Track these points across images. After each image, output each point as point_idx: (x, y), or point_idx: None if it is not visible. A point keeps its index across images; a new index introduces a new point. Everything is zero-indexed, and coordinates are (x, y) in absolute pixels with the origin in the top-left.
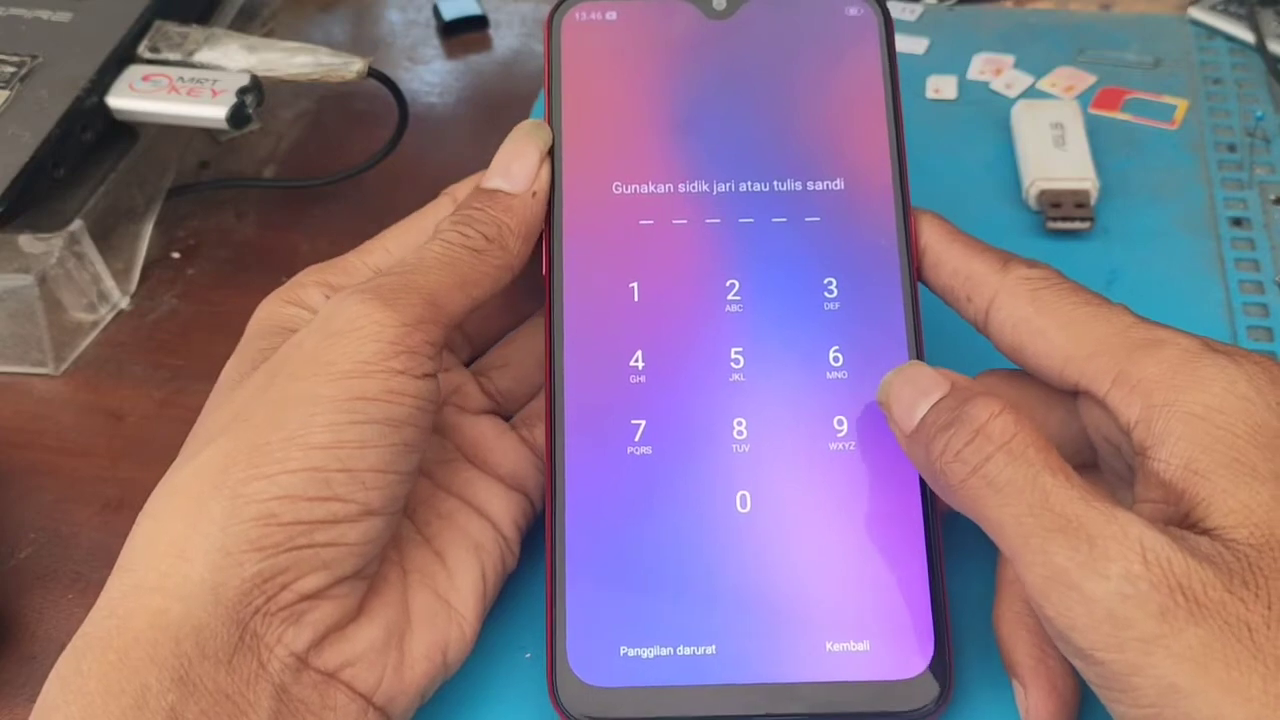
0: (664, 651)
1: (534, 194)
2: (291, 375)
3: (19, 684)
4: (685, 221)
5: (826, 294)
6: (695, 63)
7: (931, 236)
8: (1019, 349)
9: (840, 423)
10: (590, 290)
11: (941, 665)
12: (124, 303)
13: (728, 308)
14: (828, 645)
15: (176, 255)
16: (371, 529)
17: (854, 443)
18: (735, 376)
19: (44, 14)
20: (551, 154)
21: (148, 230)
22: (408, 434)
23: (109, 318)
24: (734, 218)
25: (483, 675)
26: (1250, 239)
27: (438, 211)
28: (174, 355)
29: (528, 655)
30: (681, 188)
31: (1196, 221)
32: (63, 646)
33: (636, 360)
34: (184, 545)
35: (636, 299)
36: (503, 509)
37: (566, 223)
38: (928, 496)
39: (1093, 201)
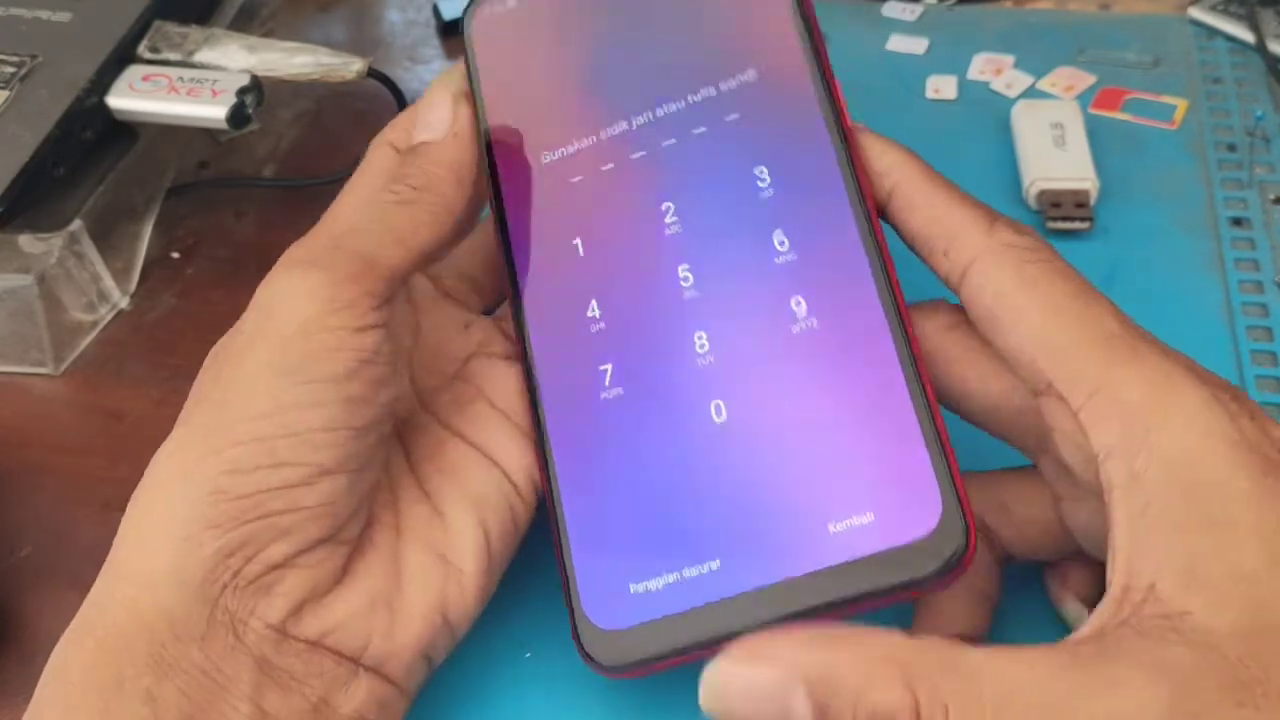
0: (671, 579)
1: (455, 135)
2: (234, 354)
3: (18, 684)
4: (612, 165)
5: (759, 183)
6: (591, 16)
7: (906, 177)
8: (992, 322)
9: (799, 303)
10: (541, 259)
11: (955, 514)
12: (123, 302)
13: (667, 231)
14: (830, 527)
15: (176, 255)
16: (330, 490)
17: (816, 319)
18: (688, 294)
19: (44, 14)
20: (471, 99)
21: (147, 230)
22: (354, 388)
23: (108, 317)
24: (657, 145)
25: (483, 675)
26: (1250, 239)
27: (382, 163)
28: (173, 355)
29: (527, 654)
30: (603, 134)
31: (1196, 221)
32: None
33: (592, 310)
34: (147, 535)
35: (582, 253)
36: (517, 456)
37: (508, 202)
38: (904, 346)
39: (1092, 201)
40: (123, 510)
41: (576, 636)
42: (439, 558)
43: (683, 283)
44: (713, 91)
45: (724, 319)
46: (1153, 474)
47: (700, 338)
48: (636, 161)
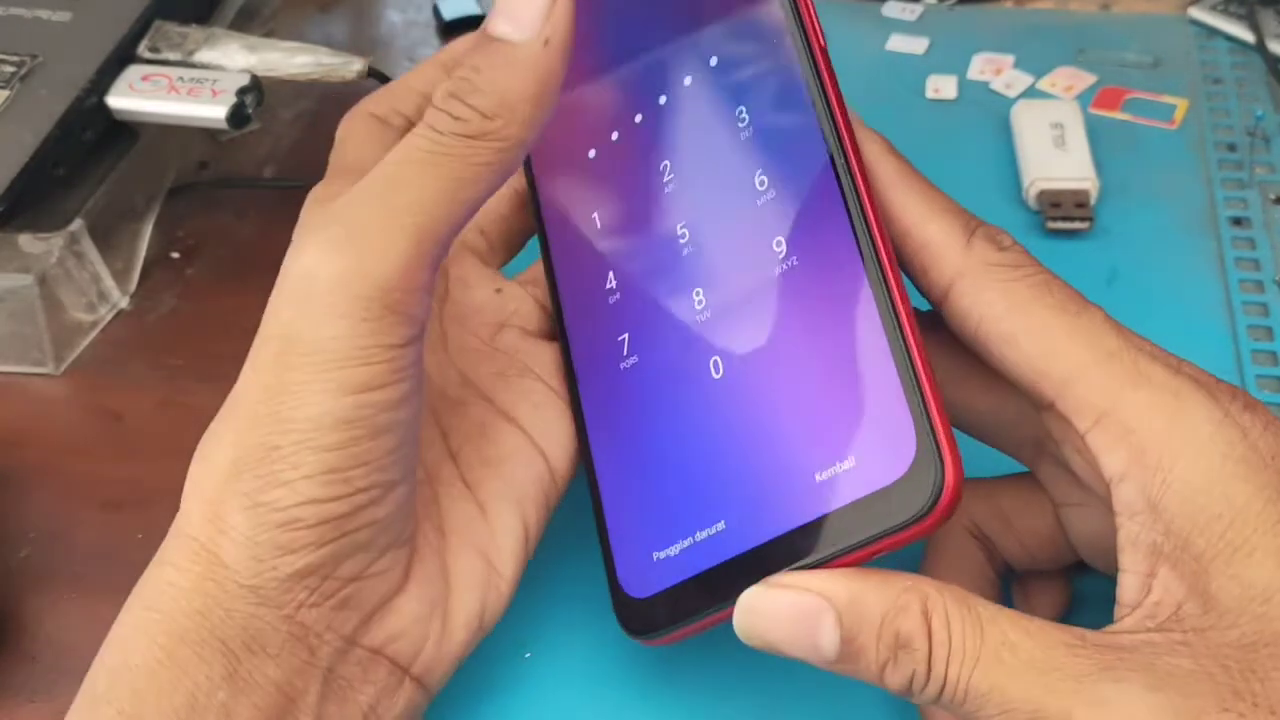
0: (685, 543)
1: (546, 42)
2: (279, 358)
3: (19, 684)
4: (617, 134)
5: (740, 123)
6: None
7: (878, 175)
8: (983, 346)
9: (779, 244)
10: (568, 238)
11: (930, 451)
12: (124, 302)
13: (665, 190)
14: (816, 477)
15: (176, 255)
16: (399, 497)
17: (796, 257)
18: (686, 251)
19: (44, 14)
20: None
21: (147, 230)
22: (411, 404)
23: (109, 317)
24: (654, 105)
25: (483, 675)
26: (1250, 238)
27: (367, 133)
28: (173, 355)
29: (527, 655)
30: (610, 112)
31: (1196, 221)
32: (63, 646)
33: (609, 282)
34: (214, 551)
35: (599, 226)
36: (563, 443)
37: (540, 178)
38: (881, 279)
39: (1092, 201)
40: (122, 510)
41: (617, 609)
42: (484, 560)
43: (680, 240)
44: (698, 39)
45: (714, 271)
46: (1169, 503)
47: (698, 294)
48: (639, 126)
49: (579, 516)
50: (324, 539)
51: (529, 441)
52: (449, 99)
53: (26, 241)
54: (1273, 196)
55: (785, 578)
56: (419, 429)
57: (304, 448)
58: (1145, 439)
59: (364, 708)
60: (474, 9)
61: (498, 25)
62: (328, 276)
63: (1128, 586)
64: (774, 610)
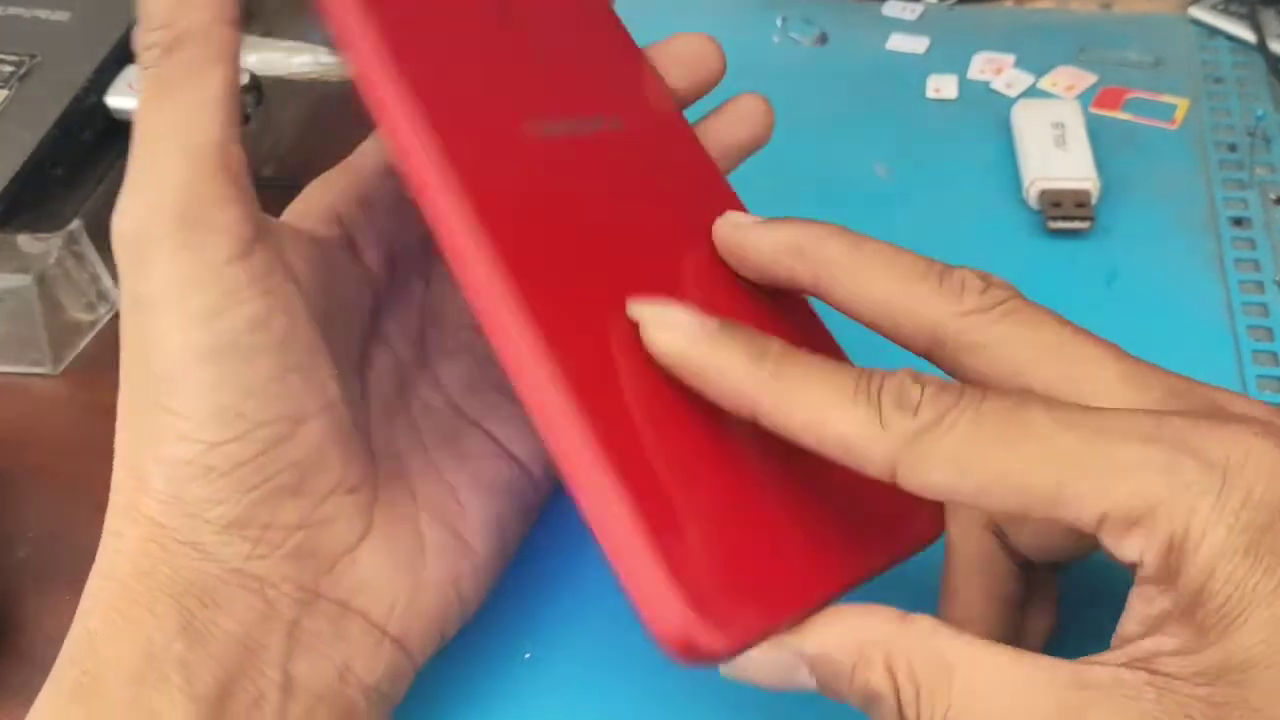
0: None
1: None
2: (134, 318)
3: (17, 684)
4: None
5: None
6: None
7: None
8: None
9: None
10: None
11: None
12: None
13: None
14: None
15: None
16: (313, 434)
17: None
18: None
19: (43, 13)
20: None
21: None
22: (273, 327)
23: (107, 317)
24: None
25: (484, 676)
26: (1251, 238)
27: None
28: None
29: (527, 655)
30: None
31: (1197, 221)
32: (62, 646)
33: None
34: (147, 513)
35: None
36: (539, 452)
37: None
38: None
39: (1093, 201)
40: None
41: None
42: (454, 534)
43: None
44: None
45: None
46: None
47: None
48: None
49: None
50: (245, 485)
51: (500, 449)
52: (139, 43)
53: (25, 241)
54: (1273, 197)
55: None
56: (312, 359)
57: (183, 392)
58: (1164, 543)
59: (338, 665)
60: None
61: None
62: (132, 230)
63: (1126, 622)
64: (756, 664)
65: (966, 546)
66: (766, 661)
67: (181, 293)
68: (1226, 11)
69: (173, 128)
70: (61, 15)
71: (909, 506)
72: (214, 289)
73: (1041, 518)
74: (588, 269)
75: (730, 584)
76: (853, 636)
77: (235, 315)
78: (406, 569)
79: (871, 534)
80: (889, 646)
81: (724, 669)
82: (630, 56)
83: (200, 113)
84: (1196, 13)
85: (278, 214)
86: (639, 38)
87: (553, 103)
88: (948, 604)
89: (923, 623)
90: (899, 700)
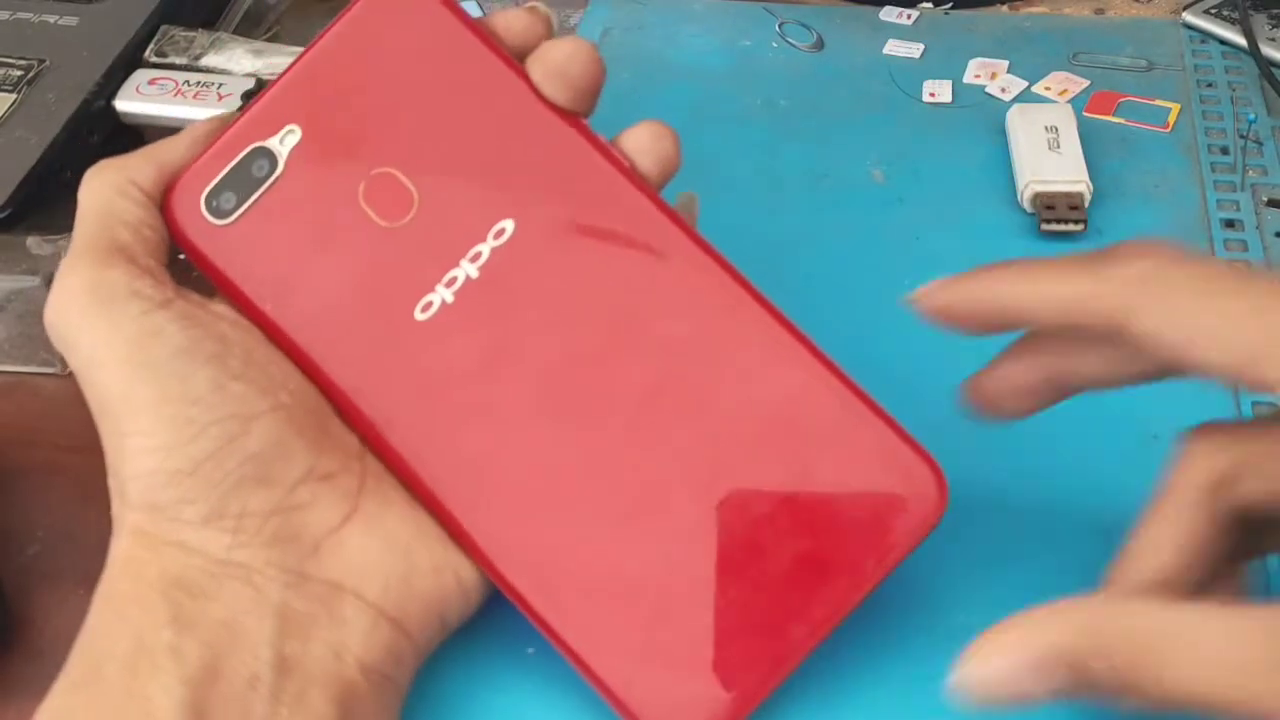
0: None
1: None
2: (77, 356)
3: (27, 680)
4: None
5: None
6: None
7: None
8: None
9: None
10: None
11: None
12: None
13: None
14: None
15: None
16: (267, 429)
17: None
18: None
19: (51, 18)
20: None
21: None
22: (190, 332)
23: None
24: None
25: (486, 672)
26: (1243, 240)
27: None
28: None
29: (530, 650)
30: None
31: (1189, 224)
32: (72, 643)
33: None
34: (133, 523)
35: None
36: None
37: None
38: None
39: (1086, 204)
40: None
41: None
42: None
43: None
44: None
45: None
46: None
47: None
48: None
49: None
50: (210, 480)
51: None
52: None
53: (34, 243)
54: (1265, 199)
55: (982, 647)
56: (256, 369)
57: (132, 414)
58: None
59: (334, 645)
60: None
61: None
62: (52, 319)
63: None
64: (994, 679)
65: (1184, 495)
66: (1006, 675)
67: (108, 346)
68: (1218, 17)
69: (80, 222)
70: (70, 20)
71: (844, 562)
72: (134, 330)
73: (1233, 379)
74: (493, 443)
75: (687, 680)
76: (1057, 628)
77: (159, 347)
78: (397, 550)
79: (819, 595)
80: (1091, 628)
81: (971, 700)
82: (551, 140)
83: (102, 208)
84: (1189, 18)
85: None
86: (639, 46)
87: (431, 260)
88: (1144, 555)
89: (1117, 597)
90: (1116, 678)
